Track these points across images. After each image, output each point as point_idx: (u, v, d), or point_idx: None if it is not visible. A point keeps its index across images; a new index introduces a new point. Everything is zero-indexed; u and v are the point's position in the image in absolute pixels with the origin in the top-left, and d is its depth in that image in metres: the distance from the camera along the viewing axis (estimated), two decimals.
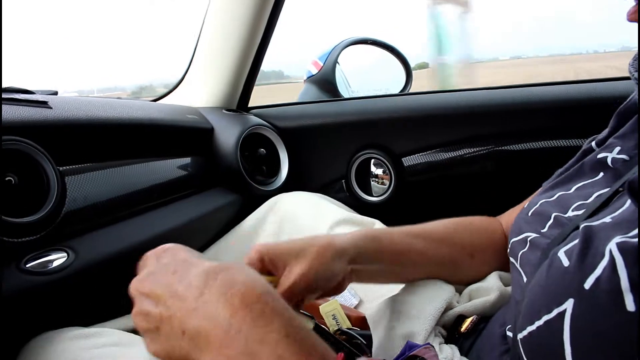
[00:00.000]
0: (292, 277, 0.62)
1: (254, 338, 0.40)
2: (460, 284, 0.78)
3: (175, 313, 0.44)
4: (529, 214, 0.61)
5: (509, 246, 0.63)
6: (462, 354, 0.65)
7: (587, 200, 0.54)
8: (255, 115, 1.44)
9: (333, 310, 0.82)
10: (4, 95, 0.84)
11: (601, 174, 0.57)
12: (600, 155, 0.58)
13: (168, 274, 0.48)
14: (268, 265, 0.63)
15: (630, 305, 0.36)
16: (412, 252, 0.74)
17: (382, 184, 1.36)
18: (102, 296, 0.90)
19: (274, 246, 0.64)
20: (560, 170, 0.66)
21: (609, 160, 0.56)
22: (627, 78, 1.18)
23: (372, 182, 1.39)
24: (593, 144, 0.64)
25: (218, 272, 0.45)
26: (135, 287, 0.50)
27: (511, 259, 0.61)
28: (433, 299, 0.71)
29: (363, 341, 0.73)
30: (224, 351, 0.40)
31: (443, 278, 0.76)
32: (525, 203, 0.68)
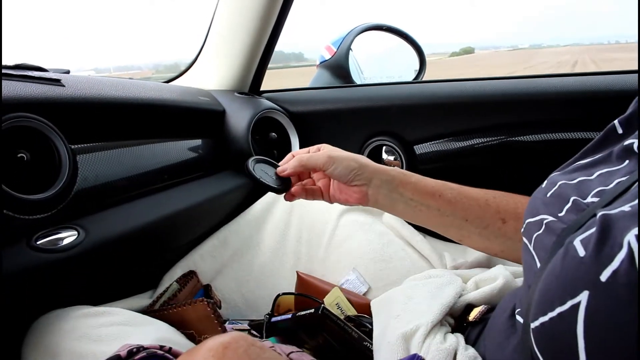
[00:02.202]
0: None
1: None
2: (488, 251, 0.82)
3: None
4: (548, 195, 0.59)
5: (524, 226, 0.61)
6: (469, 343, 0.65)
7: (607, 186, 0.52)
8: (267, 99, 1.43)
9: (336, 299, 0.83)
10: (18, 72, 0.84)
11: (627, 161, 0.55)
12: (627, 142, 0.56)
13: None
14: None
15: None
16: (441, 197, 0.80)
17: None
18: (112, 275, 0.91)
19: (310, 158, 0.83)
20: (586, 147, 0.64)
21: (635, 147, 0.54)
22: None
23: None
24: (616, 122, 0.61)
25: None
26: None
27: (524, 240, 0.60)
28: (441, 294, 0.71)
29: (371, 327, 0.73)
30: None
31: (471, 234, 0.80)
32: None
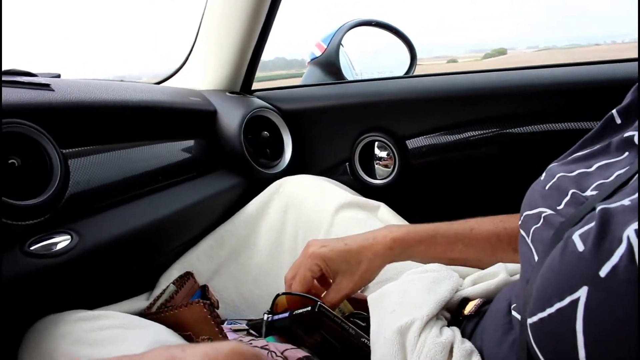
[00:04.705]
0: (338, 294, 0.78)
1: None
2: None
3: None
4: (546, 188, 0.59)
5: (521, 219, 0.61)
6: (465, 336, 0.65)
7: (607, 179, 0.52)
8: (259, 97, 1.43)
9: None
10: (6, 78, 0.84)
11: (627, 153, 0.54)
12: (627, 134, 0.55)
13: None
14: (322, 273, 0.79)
15: None
16: (455, 252, 0.79)
17: (386, 166, 1.36)
18: (106, 279, 0.90)
19: (330, 257, 0.77)
20: (585, 138, 0.63)
21: (635, 139, 0.54)
22: (631, 60, 1.17)
23: (376, 165, 1.38)
24: (614, 112, 0.61)
25: None
26: None
27: (522, 232, 0.59)
28: (437, 288, 0.71)
29: (369, 324, 0.73)
30: None
31: (482, 265, 0.80)
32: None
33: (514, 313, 0.57)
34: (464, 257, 0.80)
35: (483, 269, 0.80)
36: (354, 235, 0.81)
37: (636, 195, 0.42)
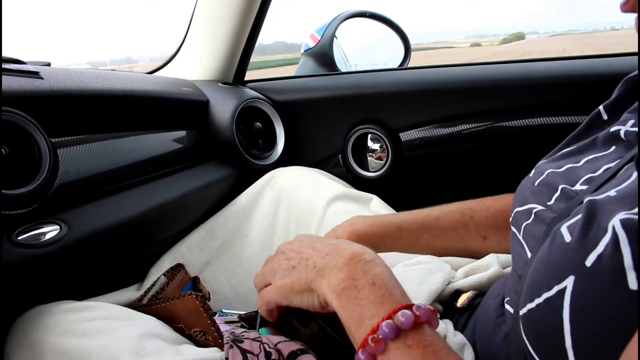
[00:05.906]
0: None
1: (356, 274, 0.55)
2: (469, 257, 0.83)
3: (312, 257, 0.60)
4: (535, 184, 0.60)
5: (512, 215, 0.62)
6: (458, 328, 0.65)
7: (595, 173, 0.53)
8: (252, 88, 1.42)
9: None
10: None
11: (613, 147, 0.55)
12: (613, 129, 0.56)
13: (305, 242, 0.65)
14: None
15: (632, 284, 0.35)
16: (421, 243, 0.82)
17: (379, 159, 1.35)
18: (95, 270, 0.90)
19: None
20: (572, 134, 0.64)
21: (621, 133, 0.55)
22: (627, 54, 1.17)
23: (368, 158, 1.38)
24: (601, 108, 0.62)
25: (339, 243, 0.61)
26: (283, 245, 0.67)
27: (513, 229, 0.60)
28: (429, 280, 0.71)
29: None
30: (336, 275, 0.55)
31: (453, 253, 0.83)
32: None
33: (507, 306, 0.57)
34: (430, 246, 0.82)
35: (452, 255, 0.83)
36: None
37: (622, 185, 0.43)
